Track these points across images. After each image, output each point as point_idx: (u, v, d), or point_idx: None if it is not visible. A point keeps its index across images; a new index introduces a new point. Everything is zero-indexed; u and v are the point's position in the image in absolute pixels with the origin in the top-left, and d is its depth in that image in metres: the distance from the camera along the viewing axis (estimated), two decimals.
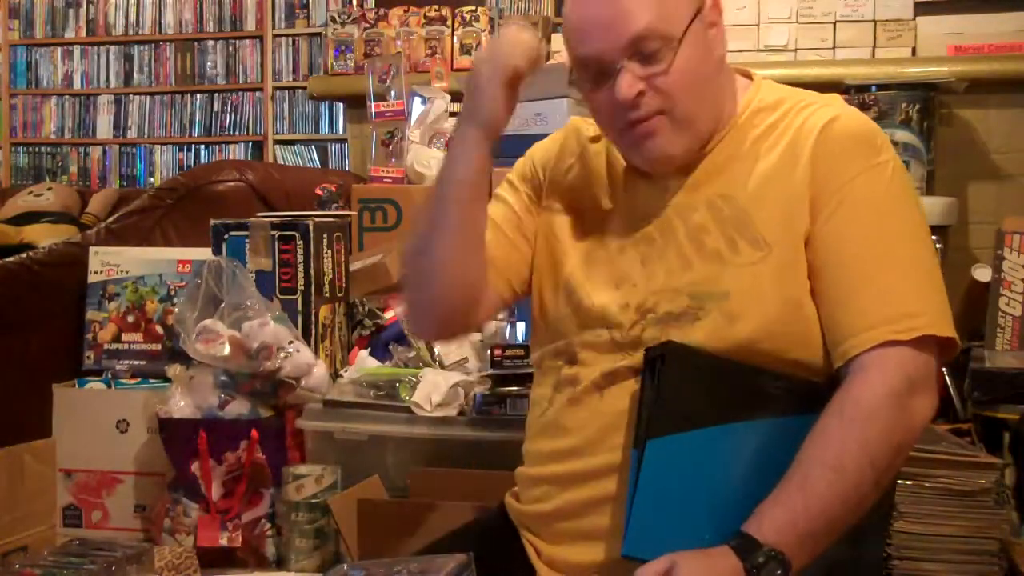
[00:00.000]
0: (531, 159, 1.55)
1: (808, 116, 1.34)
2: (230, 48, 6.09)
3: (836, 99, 1.39)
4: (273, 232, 2.26)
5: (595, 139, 1.49)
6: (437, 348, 2.23)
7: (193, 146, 6.16)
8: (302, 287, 2.24)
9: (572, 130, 1.53)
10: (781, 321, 1.28)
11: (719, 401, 1.27)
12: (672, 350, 1.28)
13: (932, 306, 1.27)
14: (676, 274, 1.34)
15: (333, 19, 3.68)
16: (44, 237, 3.54)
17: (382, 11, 3.65)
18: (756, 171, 1.33)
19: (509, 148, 2.16)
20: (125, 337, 2.48)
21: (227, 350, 2.09)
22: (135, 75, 6.25)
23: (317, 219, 2.30)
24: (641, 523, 1.24)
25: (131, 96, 6.26)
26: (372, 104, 2.93)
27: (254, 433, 2.09)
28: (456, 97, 3.09)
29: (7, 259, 2.55)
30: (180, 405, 2.14)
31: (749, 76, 1.44)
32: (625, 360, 1.34)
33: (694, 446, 1.25)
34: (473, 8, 3.61)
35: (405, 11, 3.60)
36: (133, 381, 2.42)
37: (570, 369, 1.40)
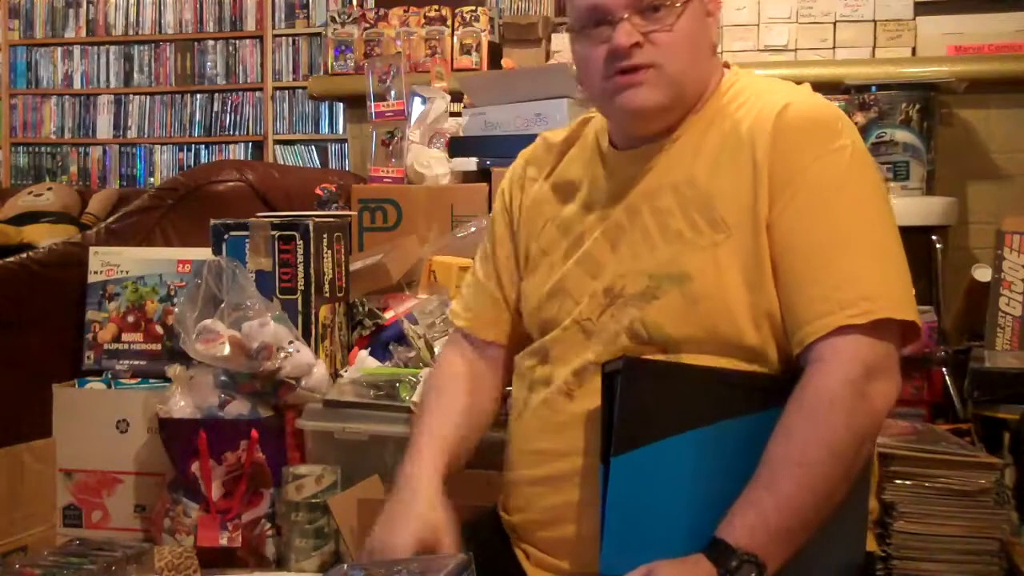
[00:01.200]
0: (501, 194, 1.59)
1: (766, 103, 1.34)
2: (230, 48, 6.09)
3: (803, 87, 1.39)
4: (273, 232, 2.25)
5: (563, 144, 1.52)
6: (437, 348, 2.22)
7: (193, 146, 6.16)
8: (302, 287, 2.24)
9: (540, 143, 1.57)
10: (743, 305, 1.28)
11: (680, 409, 1.26)
12: (628, 364, 1.27)
13: (891, 289, 1.25)
14: (642, 256, 1.35)
15: (333, 19, 3.69)
16: (44, 237, 3.54)
17: (382, 11, 3.65)
18: (719, 157, 1.34)
19: (510, 148, 2.16)
20: (125, 337, 2.48)
21: (227, 350, 2.08)
22: (135, 75, 6.25)
23: (317, 219, 2.29)
24: (615, 541, 1.23)
25: (131, 96, 6.25)
26: (372, 104, 2.93)
27: (254, 433, 2.08)
28: (456, 97, 3.09)
29: (7, 259, 2.55)
30: (180, 405, 2.14)
31: (727, 67, 1.45)
32: (592, 354, 1.35)
33: (659, 457, 1.24)
34: (473, 8, 3.61)
35: (405, 11, 3.60)
36: (133, 381, 2.41)
37: (543, 368, 1.41)
